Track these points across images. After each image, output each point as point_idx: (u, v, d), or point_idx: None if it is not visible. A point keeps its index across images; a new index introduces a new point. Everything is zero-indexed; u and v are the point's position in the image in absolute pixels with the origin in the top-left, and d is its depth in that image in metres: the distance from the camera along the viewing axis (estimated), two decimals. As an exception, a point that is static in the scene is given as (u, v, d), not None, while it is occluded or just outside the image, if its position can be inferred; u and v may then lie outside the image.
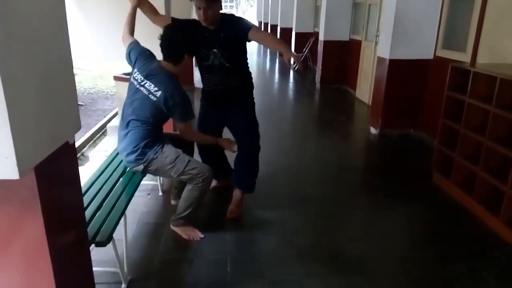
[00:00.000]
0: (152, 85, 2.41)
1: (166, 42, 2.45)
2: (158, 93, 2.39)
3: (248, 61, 2.86)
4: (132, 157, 2.50)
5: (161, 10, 3.69)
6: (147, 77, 2.44)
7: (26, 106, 1.08)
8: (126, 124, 2.52)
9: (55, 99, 1.26)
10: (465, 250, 2.63)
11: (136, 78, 2.48)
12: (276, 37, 2.80)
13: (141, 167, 2.53)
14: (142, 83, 2.44)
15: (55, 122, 1.26)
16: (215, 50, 2.64)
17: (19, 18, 1.04)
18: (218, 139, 2.85)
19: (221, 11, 2.62)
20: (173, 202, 3.01)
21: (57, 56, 1.29)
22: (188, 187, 2.58)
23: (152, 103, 2.41)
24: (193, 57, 2.69)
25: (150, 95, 2.41)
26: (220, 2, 2.59)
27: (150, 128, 2.48)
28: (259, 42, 2.84)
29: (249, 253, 2.54)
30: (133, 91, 2.50)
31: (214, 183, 3.06)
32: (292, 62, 2.65)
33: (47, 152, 1.20)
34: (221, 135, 3.03)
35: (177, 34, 2.49)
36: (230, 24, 2.65)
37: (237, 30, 2.62)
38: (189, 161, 2.52)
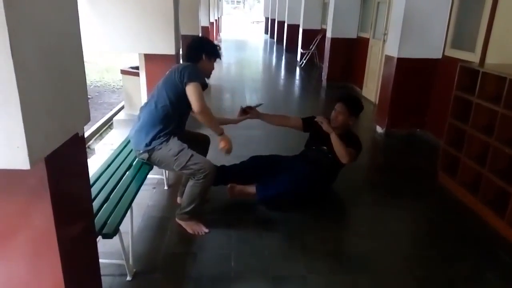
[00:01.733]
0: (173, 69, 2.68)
1: (185, 48, 2.77)
2: (173, 69, 2.64)
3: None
4: (139, 142, 2.58)
5: (169, 7, 3.71)
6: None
7: (38, 96, 1.08)
8: (145, 105, 2.70)
9: (66, 91, 1.27)
10: (470, 251, 2.62)
11: None
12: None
13: (145, 155, 2.58)
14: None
15: (66, 113, 1.27)
16: None
17: (31, 8, 1.05)
18: (222, 133, 2.73)
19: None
20: (179, 200, 3.01)
21: (69, 47, 1.30)
22: (190, 183, 2.60)
23: (168, 78, 2.62)
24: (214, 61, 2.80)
25: (168, 73, 2.66)
26: None
27: (165, 112, 2.55)
28: None
29: (254, 249, 2.55)
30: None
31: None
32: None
33: (57, 143, 1.21)
34: None
35: (193, 40, 2.77)
36: None
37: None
38: (192, 155, 2.53)
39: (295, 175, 2.98)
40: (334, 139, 3.01)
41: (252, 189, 2.96)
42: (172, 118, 2.59)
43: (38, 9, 1.08)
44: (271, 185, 2.93)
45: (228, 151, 2.72)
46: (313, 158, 3.18)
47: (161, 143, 2.54)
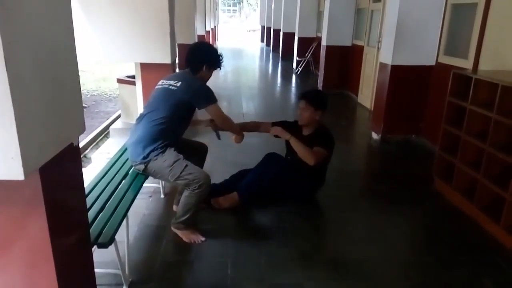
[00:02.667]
0: (173, 80, 2.67)
1: (187, 52, 2.74)
2: (178, 83, 2.61)
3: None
4: (136, 154, 2.58)
5: (165, 16, 3.74)
6: (168, 78, 2.73)
7: (33, 107, 1.09)
8: (140, 119, 2.67)
9: (61, 101, 1.28)
10: (466, 256, 2.63)
11: (159, 84, 2.73)
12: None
13: (141, 166, 2.58)
14: (163, 83, 2.69)
15: (60, 124, 1.28)
16: None
17: (26, 20, 1.06)
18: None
19: None
20: (175, 208, 3.01)
21: (63, 59, 1.31)
22: (185, 193, 2.60)
23: (171, 92, 2.60)
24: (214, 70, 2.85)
25: (170, 86, 2.63)
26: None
27: (163, 127, 2.56)
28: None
29: (250, 257, 2.54)
30: (154, 92, 2.71)
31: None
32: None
33: (52, 153, 1.22)
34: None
35: (197, 47, 2.81)
36: None
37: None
38: (186, 166, 2.53)
39: (263, 163, 3.17)
40: (293, 144, 2.99)
41: (234, 194, 3.06)
42: (170, 132, 2.60)
43: (32, 22, 1.10)
44: (246, 179, 3.11)
45: (237, 141, 3.05)
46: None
47: (157, 154, 2.54)
